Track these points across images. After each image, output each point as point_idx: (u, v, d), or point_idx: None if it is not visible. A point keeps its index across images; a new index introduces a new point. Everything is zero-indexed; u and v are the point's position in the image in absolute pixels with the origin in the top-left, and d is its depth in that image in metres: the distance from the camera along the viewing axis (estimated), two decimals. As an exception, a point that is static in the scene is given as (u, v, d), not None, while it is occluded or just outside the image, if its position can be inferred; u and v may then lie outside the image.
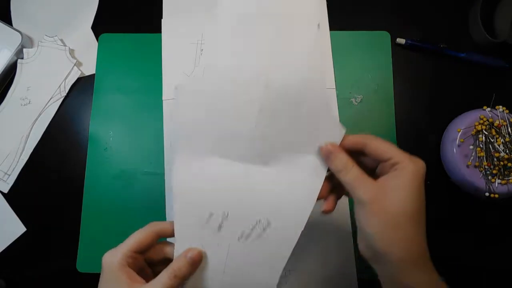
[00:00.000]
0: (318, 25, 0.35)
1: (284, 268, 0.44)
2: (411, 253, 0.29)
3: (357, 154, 0.33)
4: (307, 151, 0.34)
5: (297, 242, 0.45)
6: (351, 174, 0.32)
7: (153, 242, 0.35)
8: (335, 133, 0.33)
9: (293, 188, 0.34)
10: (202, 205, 0.34)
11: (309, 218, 0.45)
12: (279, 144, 0.34)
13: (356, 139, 0.33)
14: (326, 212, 0.34)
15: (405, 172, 0.30)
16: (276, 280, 0.35)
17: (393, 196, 0.30)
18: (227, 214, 0.34)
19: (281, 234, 0.34)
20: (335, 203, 0.35)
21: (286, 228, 0.34)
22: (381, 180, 0.31)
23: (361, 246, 0.33)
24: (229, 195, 0.34)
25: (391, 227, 0.29)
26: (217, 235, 0.34)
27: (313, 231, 0.45)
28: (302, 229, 0.34)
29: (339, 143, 0.33)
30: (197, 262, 0.34)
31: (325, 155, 0.33)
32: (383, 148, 0.31)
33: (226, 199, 0.34)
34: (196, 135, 0.34)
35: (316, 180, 0.33)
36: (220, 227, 0.34)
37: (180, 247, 0.34)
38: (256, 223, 0.34)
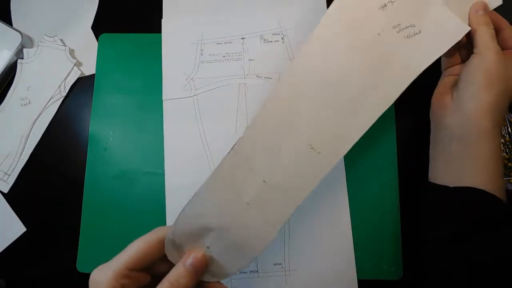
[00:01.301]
0: None
1: (284, 268, 0.44)
2: (498, 103, 0.34)
3: None
4: (462, 6, 0.38)
5: (297, 243, 0.45)
6: (490, 31, 0.36)
7: (159, 253, 0.28)
8: (491, 0, 0.39)
9: (444, 23, 0.38)
10: None
11: (309, 218, 0.45)
12: None
13: (502, 19, 0.38)
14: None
15: None
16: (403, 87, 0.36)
17: (510, 63, 0.35)
18: (394, 2, 0.37)
19: (423, 48, 0.37)
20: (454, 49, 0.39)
21: (428, 46, 0.37)
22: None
23: (444, 97, 0.38)
24: None
25: (499, 77, 0.34)
26: (378, 12, 0.37)
27: (313, 231, 0.45)
28: (439, 56, 0.37)
29: (491, 8, 0.38)
30: (200, 269, 0.29)
31: (476, 10, 0.38)
32: None
33: None
34: None
35: (463, 26, 0.38)
36: (385, 6, 0.37)
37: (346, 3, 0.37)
38: (411, 25, 0.37)
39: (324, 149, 0.34)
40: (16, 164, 0.49)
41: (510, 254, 0.31)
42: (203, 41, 0.50)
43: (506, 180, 0.42)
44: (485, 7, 0.38)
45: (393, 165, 0.46)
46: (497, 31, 0.37)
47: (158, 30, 0.50)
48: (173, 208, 0.46)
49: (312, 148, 0.34)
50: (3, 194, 0.48)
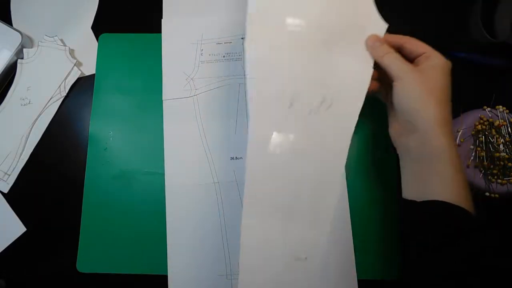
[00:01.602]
0: None
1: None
2: (442, 115, 0.34)
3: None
4: (358, 48, 0.39)
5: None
6: (394, 56, 0.37)
7: None
8: (378, 28, 0.39)
9: (349, 73, 0.39)
10: (275, 84, 0.39)
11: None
12: (335, 37, 0.39)
13: (397, 36, 0.39)
14: (371, 91, 0.39)
15: (438, 61, 0.36)
16: (344, 160, 0.38)
17: (428, 71, 0.36)
18: (297, 93, 0.39)
19: (344, 110, 0.39)
20: (378, 87, 0.40)
21: (348, 105, 0.39)
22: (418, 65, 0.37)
23: (394, 124, 0.38)
24: (298, 78, 0.39)
25: (427, 91, 0.35)
26: (289, 110, 0.38)
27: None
28: (361, 106, 0.38)
29: (382, 35, 0.39)
30: None
31: (371, 44, 0.38)
32: (420, 44, 0.38)
33: (296, 81, 0.39)
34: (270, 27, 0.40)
35: (367, 67, 0.39)
36: (291, 103, 0.38)
37: (258, 119, 0.38)
38: (322, 100, 0.39)
39: (309, 254, 0.37)
40: (16, 164, 0.49)
41: (482, 262, 0.31)
42: (203, 41, 0.50)
43: (506, 180, 0.42)
44: (378, 38, 0.38)
45: (393, 165, 0.46)
46: (400, 49, 0.38)
47: (158, 30, 0.50)
48: (173, 208, 0.46)
49: (299, 259, 0.37)
50: (3, 194, 0.48)
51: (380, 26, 0.39)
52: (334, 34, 0.39)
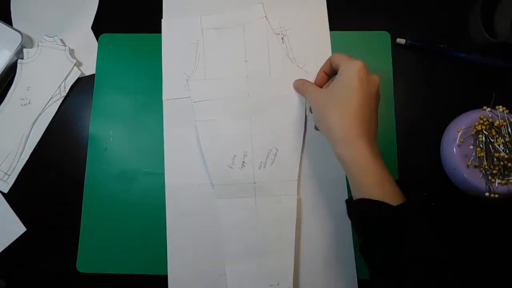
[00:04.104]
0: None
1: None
2: (343, 127, 0.37)
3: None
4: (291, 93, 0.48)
5: (297, 243, 0.45)
6: (306, 87, 0.44)
7: None
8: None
9: (287, 118, 0.47)
10: (225, 151, 0.46)
11: (308, 220, 0.45)
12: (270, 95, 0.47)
13: (328, 60, 0.43)
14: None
15: (340, 72, 0.39)
16: (295, 191, 0.45)
17: (333, 87, 0.39)
18: (246, 153, 0.46)
19: (288, 154, 0.46)
20: None
21: (290, 148, 0.46)
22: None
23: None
24: (243, 140, 0.46)
25: (328, 108, 0.38)
26: (242, 170, 0.45)
27: (312, 232, 0.45)
28: (301, 147, 0.46)
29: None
30: None
31: (295, 87, 0.47)
32: (335, 59, 0.41)
33: (242, 143, 0.46)
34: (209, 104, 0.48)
35: (300, 110, 0.47)
36: (243, 164, 0.45)
37: (216, 183, 0.45)
38: (268, 152, 0.46)
39: (280, 279, 0.44)
40: (16, 164, 0.49)
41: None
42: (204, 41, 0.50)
43: (506, 179, 0.42)
44: (297, 81, 0.46)
45: (393, 166, 0.46)
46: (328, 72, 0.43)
47: (158, 30, 0.50)
48: (173, 208, 0.46)
49: (272, 285, 0.43)
50: (3, 194, 0.48)
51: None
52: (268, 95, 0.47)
